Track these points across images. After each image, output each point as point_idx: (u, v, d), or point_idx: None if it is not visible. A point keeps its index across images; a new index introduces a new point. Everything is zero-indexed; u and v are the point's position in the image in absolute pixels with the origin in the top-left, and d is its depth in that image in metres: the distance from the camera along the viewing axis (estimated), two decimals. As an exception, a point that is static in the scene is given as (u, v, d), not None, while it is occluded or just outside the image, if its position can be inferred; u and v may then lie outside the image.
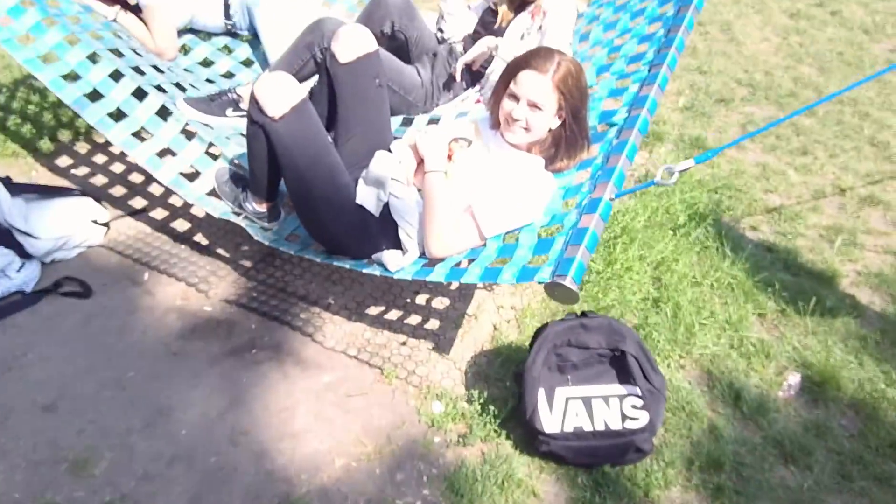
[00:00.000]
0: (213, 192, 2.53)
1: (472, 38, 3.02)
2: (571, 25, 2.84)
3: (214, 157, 2.65)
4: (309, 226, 2.32)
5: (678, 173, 1.84)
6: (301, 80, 2.72)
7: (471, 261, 2.01)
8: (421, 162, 2.14)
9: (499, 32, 2.93)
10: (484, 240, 2.04)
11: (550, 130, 2.08)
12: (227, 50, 3.41)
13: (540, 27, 2.84)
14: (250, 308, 2.59)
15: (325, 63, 2.41)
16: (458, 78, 2.83)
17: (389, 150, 2.38)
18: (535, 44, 2.86)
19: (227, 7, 3.26)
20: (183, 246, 2.86)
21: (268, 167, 2.23)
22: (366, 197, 2.20)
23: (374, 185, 2.20)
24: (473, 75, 2.94)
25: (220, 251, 2.84)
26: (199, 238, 2.90)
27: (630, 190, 2.03)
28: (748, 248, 3.07)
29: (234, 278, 2.72)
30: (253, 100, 2.10)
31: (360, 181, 2.24)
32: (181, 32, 3.25)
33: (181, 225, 2.96)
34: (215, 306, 2.60)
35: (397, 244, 2.18)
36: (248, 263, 2.78)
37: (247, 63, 3.39)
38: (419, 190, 2.17)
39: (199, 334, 2.47)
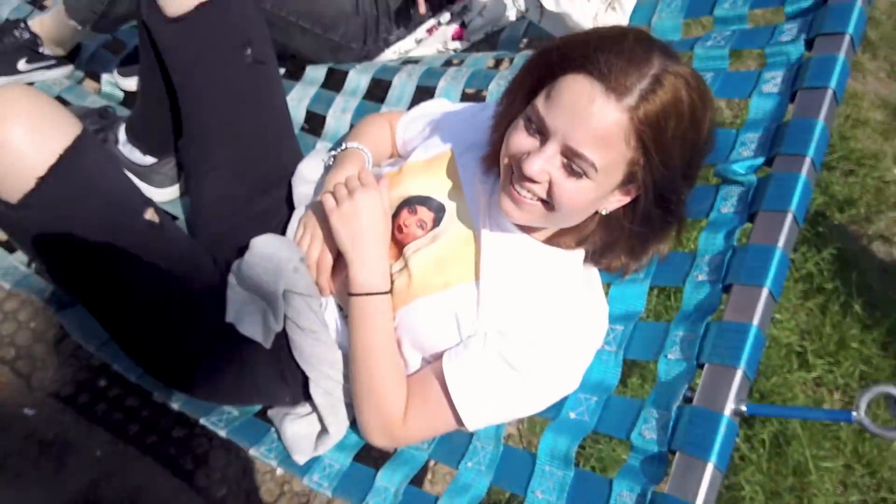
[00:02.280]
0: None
1: None
2: None
3: None
4: (133, 354, 1.22)
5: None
6: (106, 27, 1.63)
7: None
8: (340, 258, 1.08)
9: None
10: (464, 427, 1.03)
11: (600, 214, 0.98)
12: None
13: None
14: (94, 418, 1.58)
15: (141, 14, 1.23)
16: (420, 7, 1.60)
17: (287, 206, 1.28)
18: None
19: None
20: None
21: (53, 265, 1.11)
22: (243, 314, 1.12)
23: (258, 295, 1.11)
24: None
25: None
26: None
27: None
28: (889, 292, 2.03)
29: (72, 351, 1.67)
30: None
31: (231, 280, 1.14)
32: None
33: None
34: (40, 407, 1.58)
35: (308, 399, 1.15)
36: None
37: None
38: (342, 310, 1.11)
39: (12, 462, 1.49)
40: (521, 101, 0.95)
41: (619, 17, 1.41)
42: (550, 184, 0.89)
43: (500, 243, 1.02)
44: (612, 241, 1.02)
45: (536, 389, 0.99)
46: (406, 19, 1.70)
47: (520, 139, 0.91)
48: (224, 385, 1.17)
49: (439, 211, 1.07)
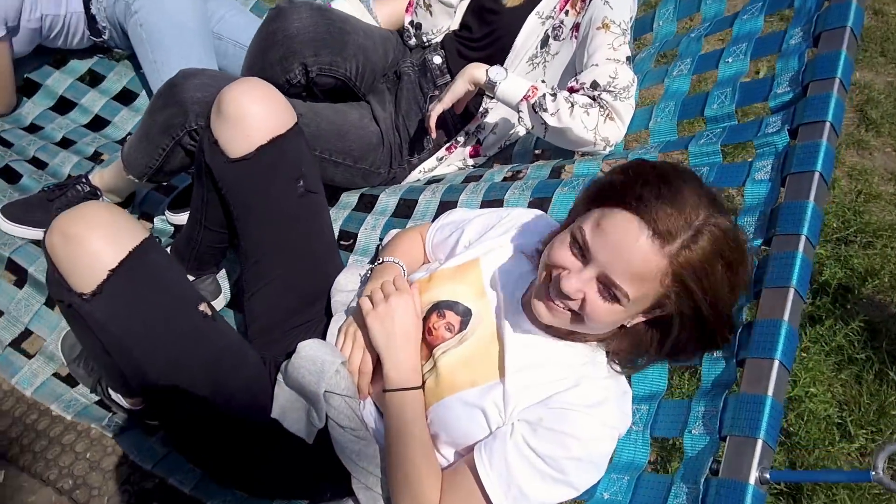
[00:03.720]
0: (61, 374, 1.58)
1: (458, 42, 1.88)
2: (629, 25, 1.63)
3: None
4: (186, 452, 1.34)
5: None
6: (160, 179, 1.75)
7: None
8: (379, 365, 1.17)
9: (503, 29, 1.78)
10: None
11: (624, 328, 1.05)
12: (93, 78, 2.35)
13: (575, 28, 1.67)
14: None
15: (203, 156, 1.37)
16: (432, 134, 1.71)
17: (327, 315, 1.39)
18: (560, 66, 1.73)
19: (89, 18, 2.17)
20: (45, 428, 1.88)
21: (110, 359, 1.22)
22: (288, 411, 1.21)
23: (302, 394, 1.21)
24: (463, 117, 1.84)
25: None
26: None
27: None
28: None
29: (126, 477, 1.75)
30: (48, 260, 1.13)
31: (280, 379, 1.24)
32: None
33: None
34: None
35: (350, 494, 1.20)
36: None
37: (126, 101, 2.34)
38: (380, 410, 1.19)
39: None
40: (582, 211, 1.04)
41: (618, 125, 1.51)
42: (583, 300, 0.97)
43: (522, 342, 1.10)
44: (637, 352, 1.09)
45: (566, 478, 1.02)
46: (424, 142, 1.84)
47: (562, 254, 0.99)
48: (271, 479, 1.24)
49: (466, 314, 1.16)
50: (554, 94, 1.53)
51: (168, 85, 1.57)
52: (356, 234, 1.71)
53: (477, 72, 1.59)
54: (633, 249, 0.91)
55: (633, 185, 0.93)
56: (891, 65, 3.32)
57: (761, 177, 1.23)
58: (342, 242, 1.73)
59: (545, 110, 1.51)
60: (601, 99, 1.51)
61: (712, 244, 0.91)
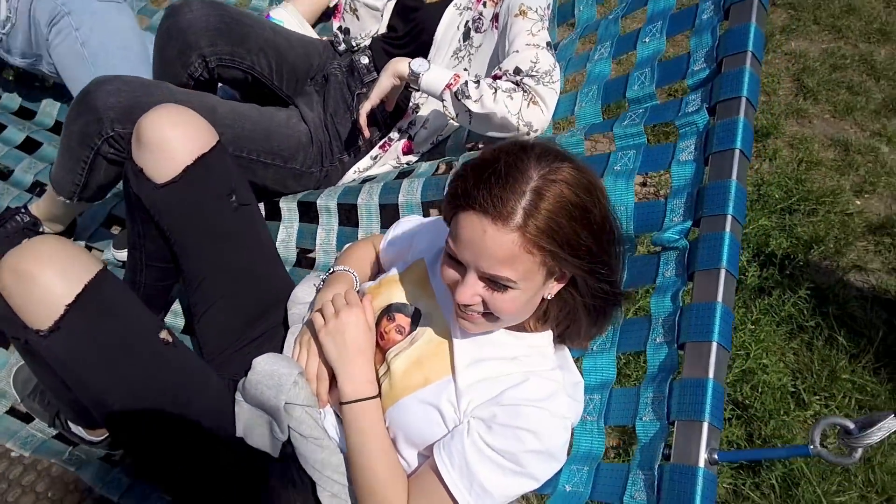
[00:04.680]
0: (14, 410, 1.52)
1: (384, 42, 1.88)
2: (546, 10, 1.63)
3: (6, 346, 1.61)
4: (155, 478, 1.31)
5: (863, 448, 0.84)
6: (91, 196, 1.70)
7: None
8: (335, 376, 1.17)
9: (424, 24, 1.78)
10: None
11: (546, 299, 1.05)
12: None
13: (495, 19, 1.68)
14: None
15: (130, 188, 1.33)
16: (364, 132, 1.69)
17: (282, 325, 1.37)
18: (485, 58, 1.72)
19: None
20: (6, 468, 1.79)
21: (70, 394, 1.19)
22: (251, 427, 1.21)
23: (262, 409, 1.21)
24: (393, 114, 1.84)
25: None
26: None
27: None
28: (872, 317, 2.03)
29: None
30: (0, 299, 1.09)
31: (238, 397, 1.23)
32: None
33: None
34: None
35: (317, 500, 1.20)
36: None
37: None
38: (341, 419, 1.18)
39: None
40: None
41: (542, 110, 1.50)
42: (484, 302, 0.99)
43: (470, 338, 1.10)
44: (572, 317, 1.08)
45: (524, 470, 1.03)
46: (356, 140, 1.82)
47: (447, 272, 1.02)
48: (243, 497, 1.22)
49: (415, 315, 1.17)
50: (477, 81, 1.52)
51: (81, 94, 1.53)
52: (313, 254, 1.71)
53: (400, 65, 1.59)
54: (486, 241, 0.92)
55: (461, 187, 0.95)
56: (824, 32, 3.37)
57: (685, 157, 1.22)
58: (297, 264, 1.74)
59: (468, 97, 1.50)
60: (524, 83, 1.50)
61: (554, 200, 0.91)
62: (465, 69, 1.74)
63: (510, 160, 0.93)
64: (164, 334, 1.17)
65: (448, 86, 1.54)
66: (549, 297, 1.04)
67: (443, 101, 1.57)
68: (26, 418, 1.52)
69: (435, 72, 1.56)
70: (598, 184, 0.97)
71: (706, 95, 1.26)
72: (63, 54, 2.00)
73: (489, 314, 1.01)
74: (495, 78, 1.55)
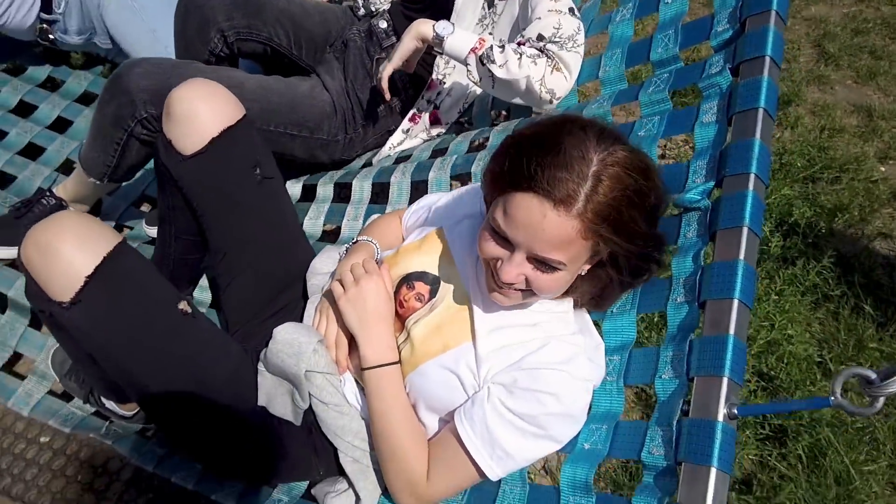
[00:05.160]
0: (55, 390, 1.57)
1: (402, 6, 1.89)
2: None
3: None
4: (183, 448, 1.36)
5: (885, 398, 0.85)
6: (121, 177, 1.72)
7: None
8: (353, 339, 1.18)
9: None
10: (487, 478, 1.09)
11: (580, 276, 1.05)
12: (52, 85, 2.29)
13: None
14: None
15: (160, 160, 1.35)
16: (385, 94, 1.70)
17: (303, 297, 1.38)
18: (507, 26, 1.71)
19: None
20: (36, 453, 1.85)
21: (97, 367, 1.24)
22: (273, 397, 1.24)
23: (284, 378, 1.23)
24: (413, 78, 1.84)
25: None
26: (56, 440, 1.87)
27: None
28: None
29: (118, 496, 1.73)
30: (26, 273, 1.13)
31: (260, 367, 1.25)
32: None
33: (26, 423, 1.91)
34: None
35: (341, 470, 1.23)
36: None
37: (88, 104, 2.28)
38: (360, 384, 1.20)
39: None
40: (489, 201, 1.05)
41: (564, 76, 1.50)
42: (528, 280, 0.99)
43: (490, 304, 1.10)
44: (603, 292, 1.10)
45: (546, 433, 1.04)
46: (377, 105, 1.84)
47: (490, 247, 1.00)
48: (267, 464, 1.26)
49: (434, 283, 1.17)
50: (502, 46, 1.51)
51: (113, 77, 1.56)
52: (339, 227, 1.72)
53: (424, 27, 1.58)
54: (545, 225, 0.91)
55: (517, 165, 0.93)
56: (845, -4, 3.32)
57: (708, 119, 1.22)
58: (323, 237, 1.75)
59: (493, 62, 1.50)
60: (548, 50, 1.50)
61: (613, 185, 0.90)
62: (490, 34, 1.74)
63: (572, 141, 0.91)
64: (182, 305, 1.18)
65: (473, 50, 1.53)
66: (582, 273, 1.04)
67: (467, 65, 1.57)
68: (66, 397, 1.57)
69: (459, 35, 1.55)
70: (652, 164, 0.97)
71: (729, 56, 1.26)
72: (115, 12, 2.07)
73: (528, 291, 1.01)
74: (519, 45, 1.55)
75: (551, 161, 0.90)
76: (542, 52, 1.50)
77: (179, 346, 1.18)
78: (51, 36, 2.18)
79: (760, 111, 1.14)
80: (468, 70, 1.59)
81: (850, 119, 2.71)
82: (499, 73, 1.50)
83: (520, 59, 1.48)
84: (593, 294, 1.11)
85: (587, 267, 1.02)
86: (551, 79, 1.48)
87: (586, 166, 0.89)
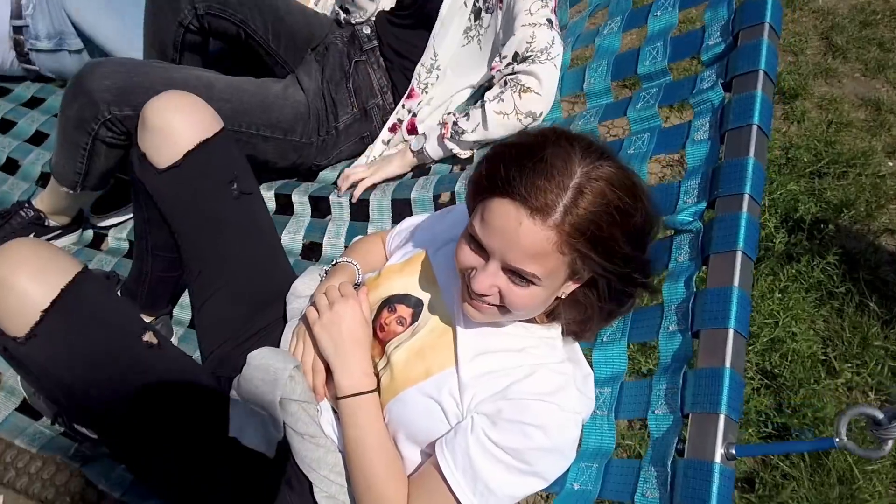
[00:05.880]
0: (24, 407, 1.54)
1: (387, 14, 1.87)
2: None
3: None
4: (149, 485, 1.30)
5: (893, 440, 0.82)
6: (95, 185, 1.71)
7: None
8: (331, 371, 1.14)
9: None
10: None
11: (559, 299, 1.01)
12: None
13: None
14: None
15: (135, 173, 1.33)
16: (340, 190, 1.75)
17: (283, 320, 1.34)
18: (493, 37, 1.68)
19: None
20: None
21: (63, 397, 1.17)
22: (245, 427, 1.17)
23: (257, 406, 1.17)
24: (391, 85, 1.83)
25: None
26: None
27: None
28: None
29: None
30: None
31: (233, 394, 1.20)
32: None
33: None
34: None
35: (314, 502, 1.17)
36: None
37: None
38: (338, 415, 1.15)
39: None
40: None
41: (536, 94, 1.49)
42: (501, 293, 0.95)
43: (474, 329, 1.06)
44: (585, 317, 1.04)
45: (532, 469, 0.99)
46: (348, 108, 1.81)
47: (465, 256, 0.97)
48: (237, 500, 1.20)
49: (417, 306, 1.13)
50: (466, 114, 1.56)
51: (73, 78, 1.53)
52: (321, 245, 1.69)
53: (409, 156, 1.69)
54: (520, 233, 0.87)
55: (497, 170, 0.89)
56: (853, -14, 3.25)
57: (700, 137, 1.19)
58: (302, 255, 1.73)
59: (465, 132, 1.55)
60: (509, 78, 1.51)
61: (595, 199, 0.86)
62: (479, 48, 1.72)
63: (556, 151, 0.88)
64: (147, 336, 1.14)
65: (442, 136, 1.58)
66: (562, 297, 1.00)
67: (451, 152, 1.62)
68: (35, 414, 1.53)
69: (430, 138, 1.63)
70: (640, 184, 0.92)
71: (721, 71, 1.21)
72: (81, 9, 2.04)
73: (502, 307, 0.97)
74: (493, 70, 1.57)
75: (532, 168, 0.87)
76: (504, 84, 1.52)
77: (143, 379, 1.13)
78: (26, 49, 2.14)
79: (754, 128, 1.10)
80: (454, 155, 1.64)
81: (858, 113, 2.65)
82: (475, 137, 1.54)
83: (484, 109, 1.51)
84: (577, 320, 1.06)
85: (569, 289, 0.98)
86: (523, 103, 1.47)
87: (568, 178, 0.86)
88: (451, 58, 1.71)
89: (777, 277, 2.10)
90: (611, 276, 0.93)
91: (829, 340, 1.99)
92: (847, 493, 1.68)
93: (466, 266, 0.97)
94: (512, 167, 0.88)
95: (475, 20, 1.68)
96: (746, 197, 1.06)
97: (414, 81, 1.75)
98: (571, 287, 0.98)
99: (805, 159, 2.41)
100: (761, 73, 1.14)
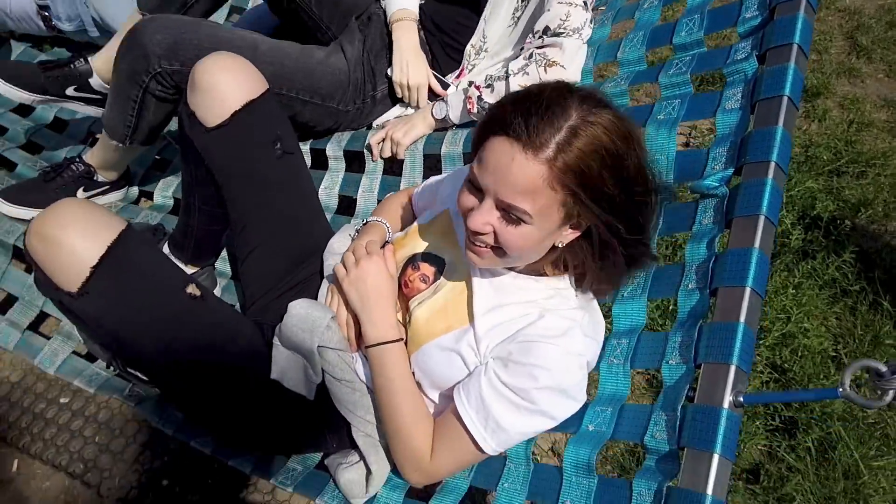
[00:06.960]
0: (79, 351, 1.59)
1: None
2: None
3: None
4: (198, 422, 1.38)
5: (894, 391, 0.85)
6: (144, 139, 1.75)
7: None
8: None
9: None
10: (486, 454, 1.10)
11: (557, 247, 1.04)
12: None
13: None
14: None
15: (184, 131, 1.38)
16: (374, 155, 1.79)
17: (320, 274, 1.40)
18: (528, 14, 1.69)
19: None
20: (55, 413, 1.90)
21: (115, 346, 1.24)
22: (287, 371, 1.24)
23: (297, 352, 1.23)
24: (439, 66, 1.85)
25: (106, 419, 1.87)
26: (76, 402, 1.91)
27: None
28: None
29: (135, 458, 1.77)
30: (32, 262, 1.13)
31: (276, 341, 1.25)
32: None
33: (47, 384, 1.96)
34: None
35: (353, 444, 1.24)
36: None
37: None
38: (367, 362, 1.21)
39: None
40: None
41: (562, 66, 1.51)
42: (495, 233, 0.99)
43: (490, 285, 1.11)
44: (582, 268, 1.08)
45: (538, 408, 1.04)
46: (384, 76, 1.84)
47: (463, 198, 1.02)
48: (280, 437, 1.29)
49: (440, 264, 1.19)
50: (490, 86, 1.57)
51: (129, 33, 1.57)
52: (355, 200, 1.73)
53: (428, 119, 1.72)
54: (512, 167, 0.91)
55: (501, 113, 0.94)
56: (881, -13, 3.25)
57: (731, 106, 1.21)
58: (340, 209, 1.77)
59: (489, 105, 1.54)
60: (536, 52, 1.53)
61: (589, 141, 0.90)
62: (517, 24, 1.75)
63: (553, 95, 0.92)
64: (190, 289, 1.20)
65: (469, 111, 1.61)
66: (560, 245, 1.03)
67: (473, 120, 1.64)
68: (90, 358, 1.59)
69: (454, 108, 1.65)
70: (636, 134, 0.96)
71: (756, 43, 1.24)
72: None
73: (498, 248, 1.01)
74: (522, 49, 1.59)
75: (529, 108, 0.91)
76: (529, 58, 1.53)
77: (189, 329, 1.20)
78: (53, 22, 2.21)
79: (785, 99, 1.13)
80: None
81: (880, 114, 2.66)
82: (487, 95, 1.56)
83: (507, 83, 1.54)
84: (576, 274, 1.10)
85: (568, 236, 1.01)
86: (548, 77, 1.50)
87: (564, 119, 0.90)
88: (497, 39, 1.74)
89: (791, 273, 2.11)
90: (599, 222, 0.96)
91: (840, 338, 2.01)
92: (852, 488, 1.70)
93: (465, 207, 1.02)
94: (510, 109, 0.92)
95: (522, 1, 1.70)
96: (773, 165, 1.09)
97: (464, 62, 1.79)
98: (569, 235, 1.01)
99: (825, 157, 2.42)
100: (795, 47, 1.16)
